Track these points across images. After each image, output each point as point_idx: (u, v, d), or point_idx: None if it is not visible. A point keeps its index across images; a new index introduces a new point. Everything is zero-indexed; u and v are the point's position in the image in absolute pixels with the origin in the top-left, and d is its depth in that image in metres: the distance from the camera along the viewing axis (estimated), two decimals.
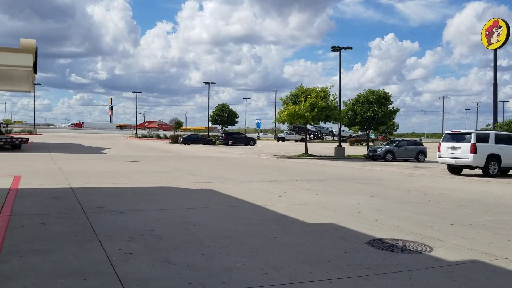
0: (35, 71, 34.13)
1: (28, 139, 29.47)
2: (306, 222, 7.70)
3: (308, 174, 17.18)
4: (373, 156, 29.57)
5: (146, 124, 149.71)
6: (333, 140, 77.25)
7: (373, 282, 4.82)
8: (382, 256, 5.84)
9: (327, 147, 46.86)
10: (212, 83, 61.21)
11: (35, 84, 54.91)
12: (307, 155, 30.75)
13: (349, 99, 33.87)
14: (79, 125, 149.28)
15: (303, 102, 29.97)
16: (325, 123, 32.54)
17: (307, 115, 29.35)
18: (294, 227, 7.29)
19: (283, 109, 31.22)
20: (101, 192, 10.59)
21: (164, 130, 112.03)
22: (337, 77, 34.00)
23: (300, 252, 5.81)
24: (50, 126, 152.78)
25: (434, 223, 7.99)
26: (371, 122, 32.47)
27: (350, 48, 34.20)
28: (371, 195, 11.55)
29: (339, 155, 31.52)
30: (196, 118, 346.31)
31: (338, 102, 32.23)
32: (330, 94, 31.28)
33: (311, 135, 74.17)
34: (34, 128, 73.67)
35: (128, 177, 14.06)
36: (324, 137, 78.54)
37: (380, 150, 29.65)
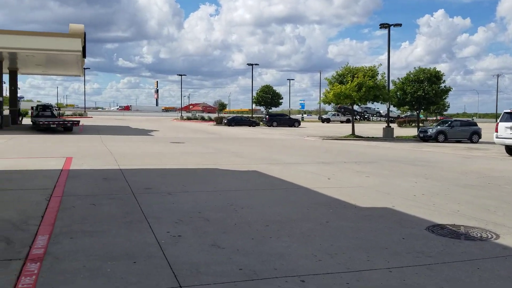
0: (84, 56, 34.84)
1: (79, 121, 30.45)
2: (359, 206, 7.34)
3: (356, 155, 16.66)
4: (423, 137, 28.41)
5: (190, 107, 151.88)
6: (380, 121, 75.30)
7: (436, 272, 4.45)
8: (444, 243, 5.42)
9: (375, 128, 45.62)
10: (256, 64, 60.89)
11: (84, 68, 56.66)
12: (354, 136, 29.99)
13: (398, 78, 32.62)
14: (127, 108, 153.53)
15: (349, 81, 29.09)
16: (372, 103, 31.58)
17: (354, 95, 28.50)
18: (346, 211, 6.95)
19: (328, 89, 30.48)
20: (148, 173, 10.63)
21: (208, 112, 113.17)
22: (384, 56, 32.79)
23: (355, 237, 5.49)
24: (99, 109, 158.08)
25: (497, 208, 7.42)
26: (422, 102, 31.14)
27: (400, 25, 32.71)
28: (425, 177, 10.96)
29: (388, 136, 30.52)
30: (239, 100, 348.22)
31: (386, 81, 31.06)
32: (378, 73, 30.19)
33: (357, 116, 72.53)
34: (84, 111, 76.41)
35: (174, 158, 14.11)
36: (371, 118, 76.67)
37: (431, 131, 28.43)
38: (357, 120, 71.38)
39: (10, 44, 27.50)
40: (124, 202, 7.16)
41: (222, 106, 75.52)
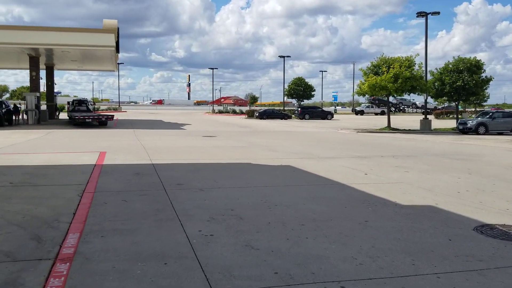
0: (117, 51, 35.25)
1: (113, 116, 30.90)
2: (400, 203, 6.94)
3: (394, 149, 16.09)
4: (463, 129, 27.32)
5: (222, 100, 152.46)
6: (416, 112, 73.33)
7: (490, 278, 4.07)
8: (495, 245, 5.00)
9: (411, 120, 44.37)
10: (287, 56, 60.14)
11: (118, 63, 57.60)
12: (389, 128, 29.17)
13: (436, 69, 31.44)
14: (160, 102, 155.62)
15: (385, 72, 28.25)
16: (409, 94, 30.54)
17: (390, 86, 27.65)
18: (387, 209, 6.58)
19: (363, 81, 29.69)
20: (180, 168, 10.52)
21: (240, 105, 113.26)
22: (419, 46, 31.72)
23: (397, 239, 5.14)
24: (131, 103, 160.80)
25: None
26: (461, 92, 29.93)
27: (438, 13, 31.46)
28: (468, 172, 10.39)
29: (425, 128, 29.53)
30: (271, 93, 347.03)
31: (424, 71, 29.98)
32: (415, 64, 29.17)
33: (392, 108, 70.80)
34: (119, 106, 77.85)
35: (206, 152, 13.99)
36: (406, 109, 74.71)
37: (471, 123, 27.30)
38: (392, 112, 69.57)
39: (46, 40, 28.13)
40: (156, 199, 7.03)
41: (253, 99, 75.19)
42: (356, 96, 40.24)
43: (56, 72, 43.62)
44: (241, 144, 17.26)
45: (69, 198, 6.93)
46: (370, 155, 13.77)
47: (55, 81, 43.44)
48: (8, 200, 6.78)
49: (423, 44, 32.05)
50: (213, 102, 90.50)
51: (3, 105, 30.95)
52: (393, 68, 28.27)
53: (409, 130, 29.39)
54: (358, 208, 6.63)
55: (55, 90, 45.42)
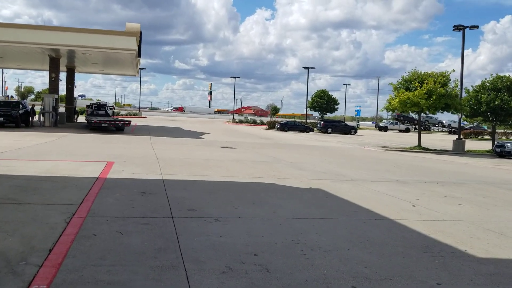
0: (139, 55, 34.17)
1: (130, 121, 29.78)
2: (473, 255, 5.34)
3: (434, 173, 14.38)
4: (500, 152, 25.36)
5: (242, 110, 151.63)
6: (442, 131, 70.87)
7: None
8: None
9: (439, 139, 42.33)
10: (312, 68, 58.63)
11: (140, 68, 56.96)
12: (420, 148, 27.31)
13: (472, 86, 29.54)
14: (181, 109, 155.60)
15: (418, 88, 26.51)
16: (442, 112, 28.65)
17: (423, 103, 25.87)
18: (459, 264, 4.98)
19: (393, 96, 27.99)
20: (194, 187, 9.08)
21: (260, 116, 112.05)
22: (444, 64, 30.29)
23: None
24: (147, 109, 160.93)
25: None
26: (499, 112, 27.95)
27: (476, 27, 29.53)
28: None
29: (459, 149, 27.58)
30: (291, 105, 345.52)
31: (459, 89, 28.11)
32: (450, 80, 27.38)
33: (417, 125, 68.57)
34: (139, 111, 77.32)
35: (225, 167, 12.54)
36: (432, 128, 72.22)
37: (510, 146, 25.30)
38: (417, 129, 67.54)
39: (67, 41, 27.30)
40: (159, 231, 5.58)
41: (275, 110, 73.67)
42: (379, 112, 38.38)
43: (81, 76, 43.29)
44: (263, 159, 15.77)
45: (52, 225, 5.54)
46: (410, 180, 12.11)
47: (77, 84, 42.87)
48: None
49: (448, 61, 31.20)
50: (233, 112, 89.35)
51: (21, 106, 30.24)
52: (426, 83, 26.54)
53: (441, 150, 27.49)
54: (421, 260, 5.05)
55: (80, 93, 45.08)
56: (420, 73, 28.27)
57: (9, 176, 8.85)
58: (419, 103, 26.07)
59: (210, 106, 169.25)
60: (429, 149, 27.24)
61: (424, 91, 26.00)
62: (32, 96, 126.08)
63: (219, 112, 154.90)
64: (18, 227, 5.36)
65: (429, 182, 11.79)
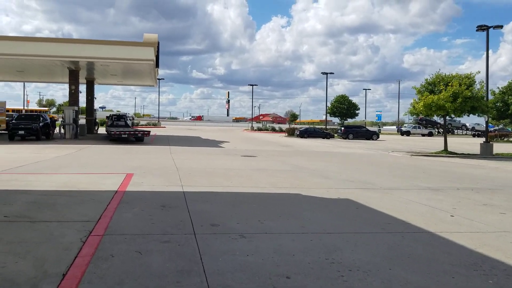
0: (157, 65, 34.20)
1: (149, 132, 29.69)
2: None
3: (466, 179, 13.67)
4: None
5: (260, 117, 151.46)
6: (465, 134, 69.24)
7: None
8: None
9: (464, 142, 41.15)
10: (331, 73, 57.88)
11: (158, 79, 57.20)
12: (446, 152, 26.41)
13: (498, 87, 28.56)
14: (199, 118, 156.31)
15: (442, 91, 25.68)
16: (468, 115, 27.70)
17: (448, 106, 25.00)
18: None
19: (417, 100, 27.18)
20: (216, 199, 8.66)
21: (278, 123, 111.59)
22: (464, 66, 29.07)
23: None
24: (166, 119, 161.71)
25: None
26: None
27: (501, 26, 28.53)
28: None
29: (487, 153, 26.57)
30: (309, 111, 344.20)
31: (485, 91, 27.15)
32: (475, 82, 26.46)
33: (441, 129, 67.15)
34: (158, 121, 77.75)
35: (246, 177, 12.11)
36: (455, 131, 70.59)
37: None
38: (440, 133, 66.13)
39: (85, 53, 27.41)
40: (181, 250, 5.16)
41: (293, 117, 73.05)
42: (401, 116, 37.47)
43: (101, 87, 43.66)
44: (285, 167, 15.28)
45: (67, 245, 5.18)
46: (442, 187, 11.46)
47: (97, 96, 43.24)
48: None
49: (468, 63, 29.92)
50: (252, 119, 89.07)
51: (41, 118, 30.46)
52: (451, 86, 25.70)
53: (468, 154, 26.54)
54: (472, 279, 4.50)
55: (100, 105, 45.31)
56: (445, 75, 27.41)
57: (24, 191, 8.58)
58: (445, 106, 25.22)
59: (228, 115, 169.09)
60: (456, 153, 26.33)
61: (449, 94, 25.15)
62: (54, 109, 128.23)
63: (237, 120, 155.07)
64: (31, 248, 5.01)
65: (463, 189, 11.12)
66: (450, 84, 25.87)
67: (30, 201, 7.65)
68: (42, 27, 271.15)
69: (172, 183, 10.37)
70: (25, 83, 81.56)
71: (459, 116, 28.14)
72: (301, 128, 51.50)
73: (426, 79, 27.94)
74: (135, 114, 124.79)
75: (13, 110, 54.86)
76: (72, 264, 4.53)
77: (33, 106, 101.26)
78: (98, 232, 5.77)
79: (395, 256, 5.21)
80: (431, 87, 27.17)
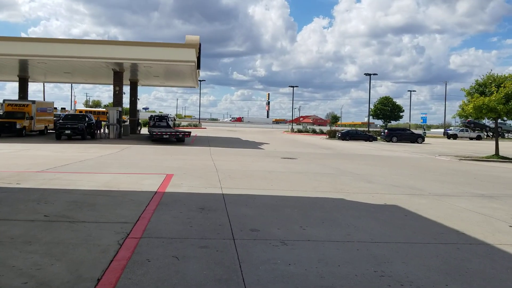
0: (198, 67, 34.43)
1: (190, 133, 29.89)
2: None
3: None
4: None
5: (301, 119, 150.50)
6: None
7: None
8: None
9: None
10: (374, 74, 56.41)
11: (199, 80, 57.83)
12: (498, 157, 25.03)
13: None
14: (239, 120, 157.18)
15: (494, 92, 24.38)
16: None
17: (500, 108, 23.68)
18: None
19: (466, 102, 25.95)
20: (256, 202, 8.39)
21: (319, 125, 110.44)
22: None
23: None
24: (207, 120, 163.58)
25: None
26: None
27: None
28: None
29: None
30: (351, 113, 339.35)
31: None
32: None
33: (490, 133, 64.26)
34: (199, 122, 78.65)
35: (286, 180, 11.79)
36: (506, 134, 67.30)
37: None
38: (489, 136, 63.28)
39: (129, 55, 27.94)
40: (219, 257, 4.91)
41: (334, 119, 71.85)
42: (448, 119, 35.91)
43: (144, 89, 44.66)
44: (327, 170, 14.84)
45: (104, 247, 5.05)
46: (497, 194, 10.71)
47: (141, 97, 44.20)
48: (24, 245, 5.04)
49: None
50: (292, 121, 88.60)
51: (86, 119, 31.35)
52: (504, 87, 24.35)
53: None
54: None
55: (143, 106, 46.23)
56: (496, 76, 26.03)
57: (67, 191, 8.63)
58: (496, 109, 23.90)
59: (268, 116, 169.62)
60: (508, 158, 24.90)
61: (502, 95, 23.82)
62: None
63: (277, 122, 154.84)
64: (68, 250, 4.92)
65: None
66: (502, 85, 24.53)
67: (71, 201, 7.66)
68: (89, 31, 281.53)
69: (211, 185, 10.21)
70: (73, 84, 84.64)
71: (511, 119, 26.62)
72: (342, 130, 50.55)
73: (477, 80, 26.64)
74: (176, 115, 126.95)
75: (80, 111, 56.82)
76: (107, 269, 4.37)
77: (80, 106, 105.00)
78: (136, 235, 5.63)
79: (451, 271, 4.75)
80: (482, 88, 25.87)
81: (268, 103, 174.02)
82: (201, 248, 5.19)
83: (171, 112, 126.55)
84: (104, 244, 5.20)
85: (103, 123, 35.41)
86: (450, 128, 73.35)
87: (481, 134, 62.44)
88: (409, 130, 51.53)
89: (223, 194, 9.05)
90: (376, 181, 12.26)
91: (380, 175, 13.91)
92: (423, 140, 46.10)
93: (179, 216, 6.83)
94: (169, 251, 5.04)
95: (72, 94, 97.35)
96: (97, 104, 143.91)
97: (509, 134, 67.11)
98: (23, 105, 32.50)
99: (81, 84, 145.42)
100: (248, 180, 11.47)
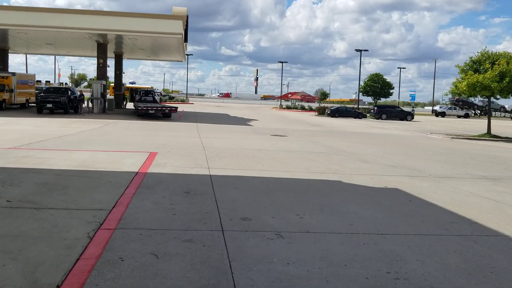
0: (185, 40, 33.08)
1: (177, 108, 28.92)
2: None
3: None
4: None
5: (289, 95, 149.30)
6: (504, 117, 66.01)
7: None
8: None
9: (506, 125, 38.87)
10: (365, 50, 55.47)
11: (187, 54, 56.30)
12: (490, 135, 24.65)
13: None
14: (227, 95, 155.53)
15: (489, 70, 23.80)
16: None
17: (494, 86, 23.15)
18: None
19: (460, 79, 25.36)
20: (246, 185, 7.69)
21: (307, 102, 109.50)
22: (502, 46, 26.60)
23: None
24: (195, 95, 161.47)
25: None
26: None
27: None
28: None
29: None
30: (339, 90, 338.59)
31: None
32: None
33: (477, 110, 64.28)
34: (186, 98, 77.27)
35: (278, 159, 11.10)
36: (493, 113, 67.35)
37: None
38: (476, 115, 63.32)
39: (113, 26, 26.67)
40: (206, 253, 4.22)
41: (323, 96, 70.88)
42: (437, 96, 35.41)
43: (131, 63, 43.24)
44: (319, 149, 14.18)
45: (71, 242, 4.31)
46: (500, 176, 10.16)
47: (128, 72, 42.83)
48: None
49: (506, 43, 28.29)
50: (281, 97, 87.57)
51: (69, 92, 30.15)
52: (498, 65, 23.77)
53: None
54: None
55: (130, 80, 44.82)
56: (491, 53, 25.41)
57: (38, 171, 7.82)
58: (490, 87, 23.38)
59: (256, 92, 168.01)
60: (500, 137, 24.54)
61: (496, 73, 23.27)
62: (85, 83, 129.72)
63: (265, 98, 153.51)
64: (26, 246, 4.17)
65: None
66: (497, 63, 23.94)
67: (41, 183, 6.87)
68: (74, 2, 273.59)
69: (198, 165, 9.47)
70: (57, 57, 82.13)
71: (505, 97, 26.16)
72: (331, 107, 49.89)
73: (471, 57, 25.97)
74: (164, 90, 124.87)
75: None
76: (71, 271, 3.65)
77: (65, 80, 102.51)
78: (110, 225, 4.90)
79: (474, 271, 4.13)
80: (476, 65, 25.25)
81: (257, 79, 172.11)
82: (185, 243, 4.49)
83: (158, 87, 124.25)
84: (71, 237, 4.46)
85: (85, 96, 34.15)
86: (441, 105, 73.16)
87: (469, 112, 62.38)
88: (399, 107, 51.10)
89: (210, 175, 8.33)
90: (371, 161, 11.64)
91: (375, 154, 13.30)
92: (412, 118, 45.75)
93: (161, 202, 6.10)
94: (148, 246, 4.32)
95: (56, 67, 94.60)
96: (82, 77, 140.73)
97: (496, 112, 67.14)
98: (3, 77, 31.02)
99: (66, 57, 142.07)
100: (237, 159, 10.75)
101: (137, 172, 8.17)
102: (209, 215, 5.55)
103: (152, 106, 27.76)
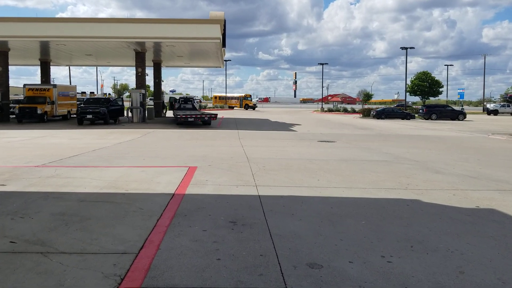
0: (223, 45, 32.01)
1: (216, 115, 27.93)
2: None
3: None
4: None
5: (329, 98, 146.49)
6: None
7: None
8: None
9: None
10: (411, 47, 52.53)
11: (225, 60, 55.53)
12: None
13: None
14: (266, 100, 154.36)
15: None
16: None
17: None
18: None
19: None
20: (304, 209, 6.27)
21: (348, 103, 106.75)
22: None
23: None
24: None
25: None
26: None
27: None
28: None
29: None
30: (380, 90, 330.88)
31: None
32: None
33: None
34: (225, 103, 76.61)
35: (335, 172, 9.61)
36: None
37: None
38: None
39: (150, 33, 26.11)
40: None
41: (367, 97, 68.30)
42: (487, 95, 32.66)
43: (171, 72, 42.92)
44: (377, 157, 12.56)
45: None
46: None
47: (167, 80, 42.50)
48: None
49: None
50: (321, 100, 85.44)
51: (109, 103, 29.82)
52: None
53: None
54: None
55: (170, 88, 44.53)
56: None
57: (59, 196, 6.72)
58: None
59: (295, 96, 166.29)
60: None
61: None
62: (127, 93, 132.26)
63: (304, 101, 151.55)
64: None
65: None
66: None
67: (58, 213, 5.73)
68: (115, 15, 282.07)
69: (243, 182, 8.15)
70: (99, 68, 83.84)
71: None
72: (376, 108, 47.60)
73: None
74: (203, 97, 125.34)
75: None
76: None
77: (108, 90, 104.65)
78: (133, 282, 3.62)
79: None
80: None
81: (295, 82, 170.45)
82: None
83: (197, 94, 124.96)
84: None
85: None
86: (489, 103, 69.06)
87: None
88: (450, 106, 48.08)
89: (259, 195, 6.98)
90: (443, 171, 9.95)
91: (443, 162, 11.56)
92: (465, 117, 42.81)
93: (202, 239, 4.79)
94: None
95: (99, 77, 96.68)
96: (125, 87, 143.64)
97: None
98: (44, 89, 31.15)
99: (109, 68, 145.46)
100: (287, 172, 9.36)
101: (173, 194, 6.94)
102: (264, 259, 4.19)
103: (191, 114, 26.90)
